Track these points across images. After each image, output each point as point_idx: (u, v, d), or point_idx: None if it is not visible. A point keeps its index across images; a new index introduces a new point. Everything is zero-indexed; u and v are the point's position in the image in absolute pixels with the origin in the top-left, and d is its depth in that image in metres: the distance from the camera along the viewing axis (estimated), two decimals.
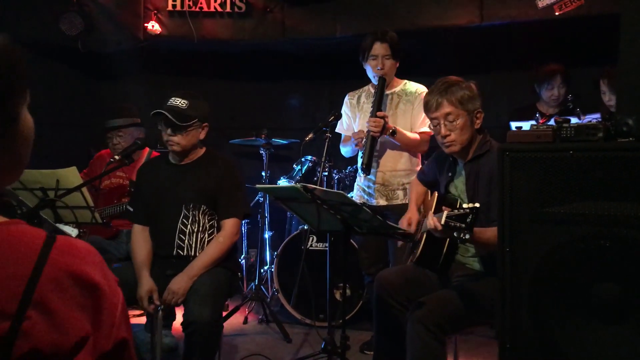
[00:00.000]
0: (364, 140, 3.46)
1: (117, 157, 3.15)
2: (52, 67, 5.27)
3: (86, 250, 0.92)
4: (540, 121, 3.65)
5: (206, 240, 3.01)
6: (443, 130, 2.64)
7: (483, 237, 2.35)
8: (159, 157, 3.18)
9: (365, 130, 3.45)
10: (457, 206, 2.43)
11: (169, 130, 2.96)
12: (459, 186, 2.74)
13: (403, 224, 2.81)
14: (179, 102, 2.96)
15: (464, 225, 2.12)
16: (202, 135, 3.04)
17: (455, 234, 2.14)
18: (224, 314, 3.36)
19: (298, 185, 2.48)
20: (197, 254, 2.95)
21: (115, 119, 3.99)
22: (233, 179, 3.05)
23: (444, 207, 2.38)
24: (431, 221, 2.27)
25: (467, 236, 2.13)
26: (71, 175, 3.03)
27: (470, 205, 2.15)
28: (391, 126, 3.43)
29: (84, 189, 3.02)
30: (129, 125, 3.97)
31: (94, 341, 0.86)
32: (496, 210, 2.05)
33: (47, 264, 0.86)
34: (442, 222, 2.17)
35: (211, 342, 2.71)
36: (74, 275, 0.87)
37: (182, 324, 2.70)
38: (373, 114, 3.45)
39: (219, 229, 3.02)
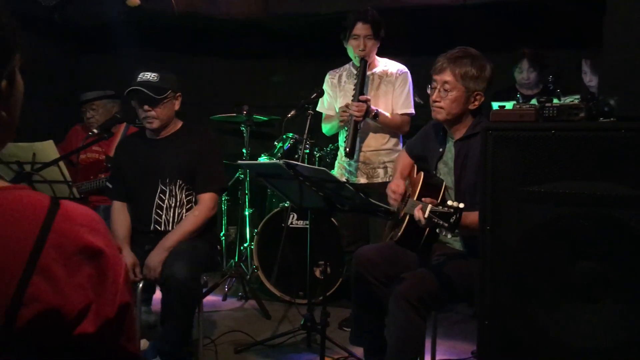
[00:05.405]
0: (347, 122, 3.43)
1: (95, 130, 3.10)
2: (30, 40, 5.12)
3: (90, 217, 0.91)
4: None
5: (184, 215, 2.99)
6: (435, 95, 2.65)
7: (466, 221, 2.32)
8: (137, 133, 3.14)
9: (349, 106, 3.42)
10: (441, 197, 2.45)
11: (145, 106, 2.91)
12: (448, 163, 2.73)
13: (389, 190, 2.80)
14: (149, 76, 2.91)
15: (446, 225, 2.13)
16: (177, 106, 2.99)
17: (437, 230, 2.16)
18: (204, 290, 3.35)
19: (280, 161, 2.46)
20: None
21: (87, 92, 3.99)
22: (211, 152, 3.02)
23: (428, 199, 2.37)
24: (416, 213, 2.27)
25: (449, 235, 2.15)
26: (48, 149, 2.98)
27: (455, 204, 2.14)
28: (374, 109, 3.42)
29: (61, 163, 2.97)
30: (101, 97, 3.95)
31: (97, 308, 0.86)
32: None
33: (52, 231, 0.85)
34: (426, 215, 2.19)
35: (189, 299, 2.72)
36: (78, 243, 0.86)
37: (159, 281, 2.71)
38: (356, 98, 3.43)
39: (197, 204, 3.00)
